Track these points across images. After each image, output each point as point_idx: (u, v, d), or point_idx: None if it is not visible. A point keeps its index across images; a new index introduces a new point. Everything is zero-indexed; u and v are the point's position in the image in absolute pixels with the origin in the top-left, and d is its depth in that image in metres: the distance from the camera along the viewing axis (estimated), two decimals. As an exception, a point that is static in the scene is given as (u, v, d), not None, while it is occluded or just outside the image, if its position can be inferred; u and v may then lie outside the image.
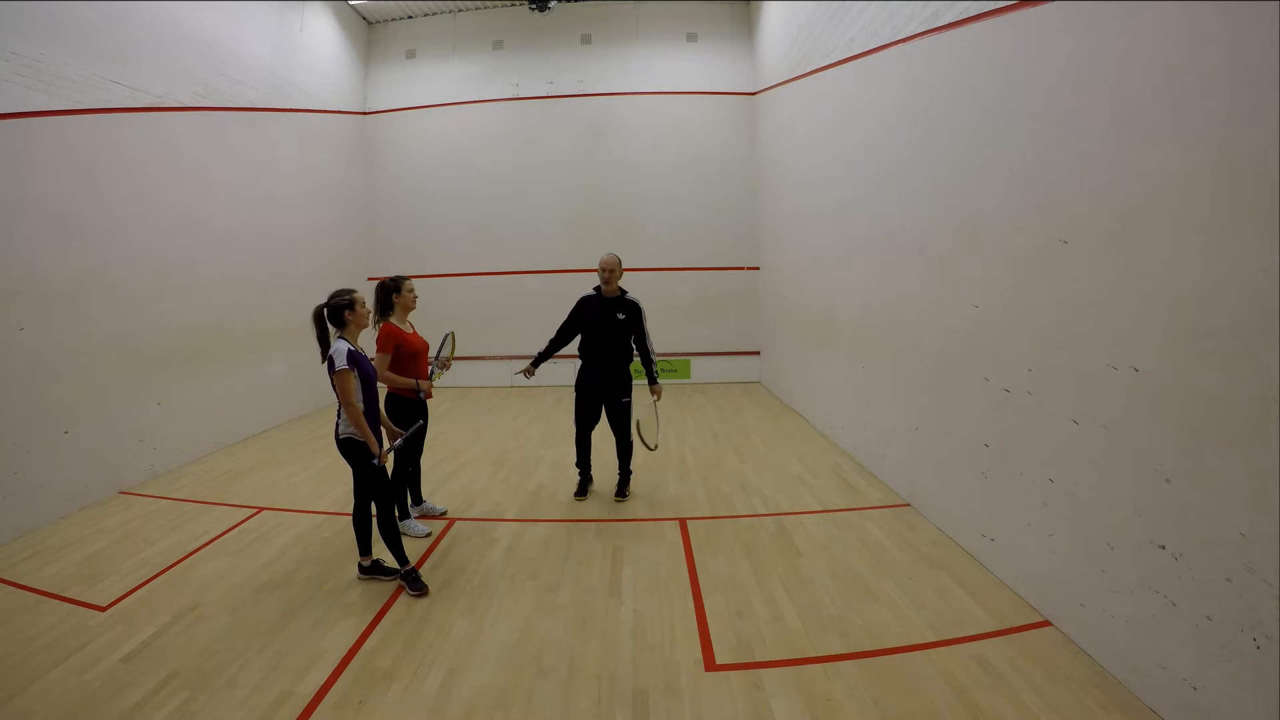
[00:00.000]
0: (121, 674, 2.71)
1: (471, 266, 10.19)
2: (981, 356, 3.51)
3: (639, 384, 4.85)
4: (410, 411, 3.95)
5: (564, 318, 4.74)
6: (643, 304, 4.68)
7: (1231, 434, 2.02)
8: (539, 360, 4.65)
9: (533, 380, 4.70)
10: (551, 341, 4.71)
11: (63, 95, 4.88)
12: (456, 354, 4.48)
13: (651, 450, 4.64)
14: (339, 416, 3.35)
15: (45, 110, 4.73)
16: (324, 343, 3.33)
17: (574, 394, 4.83)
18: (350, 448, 3.33)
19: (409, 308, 4.07)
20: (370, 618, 3.14)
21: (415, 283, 4.22)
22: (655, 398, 4.65)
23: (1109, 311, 2.53)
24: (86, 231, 5.04)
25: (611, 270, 4.57)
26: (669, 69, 9.97)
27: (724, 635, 2.94)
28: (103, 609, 3.27)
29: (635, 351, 4.72)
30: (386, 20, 10.31)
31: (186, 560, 3.85)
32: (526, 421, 7.58)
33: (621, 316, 4.58)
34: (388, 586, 3.46)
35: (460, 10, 10.15)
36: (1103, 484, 2.59)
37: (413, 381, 3.93)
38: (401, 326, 4.03)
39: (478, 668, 2.74)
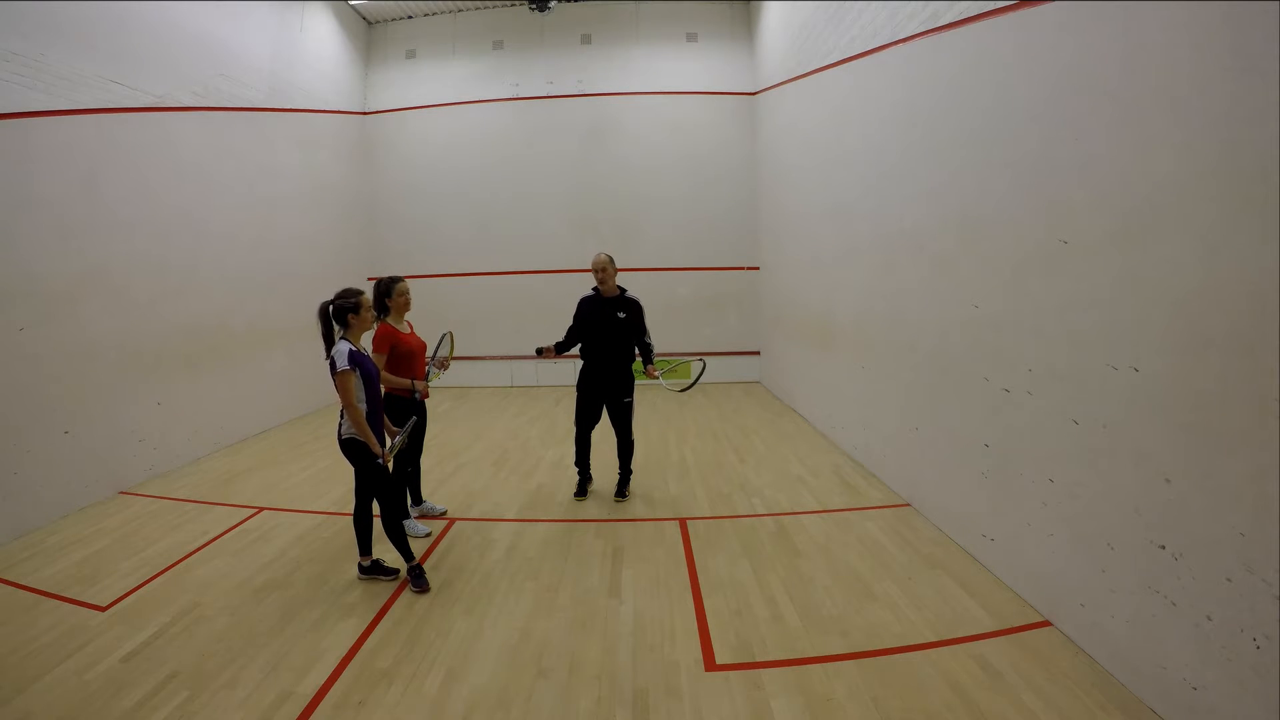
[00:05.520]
0: (121, 674, 2.71)
1: (471, 266, 10.19)
2: (981, 356, 3.51)
3: (641, 384, 4.84)
4: (407, 412, 3.95)
5: (565, 318, 4.74)
6: (642, 302, 4.68)
7: (1231, 434, 2.02)
8: (560, 348, 4.61)
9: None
10: (565, 341, 4.69)
11: (63, 95, 4.88)
12: (455, 354, 4.48)
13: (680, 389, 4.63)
14: (341, 417, 3.35)
15: (45, 110, 4.73)
16: (328, 339, 3.33)
17: (575, 394, 4.83)
18: (353, 448, 3.34)
19: (403, 309, 4.07)
20: (370, 618, 3.14)
21: (414, 283, 4.21)
22: (652, 377, 4.59)
23: (1109, 311, 2.53)
24: (86, 231, 5.04)
25: (604, 269, 4.56)
26: (669, 69, 9.96)
27: (724, 635, 2.94)
28: (103, 609, 3.27)
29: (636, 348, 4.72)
30: (386, 20, 10.31)
31: (186, 560, 3.85)
32: (526, 421, 7.58)
33: (623, 315, 4.57)
34: (388, 586, 3.46)
35: (460, 10, 10.15)
36: (1103, 484, 2.59)
37: (409, 382, 3.92)
38: (398, 326, 4.03)
39: (478, 668, 2.74)
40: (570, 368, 4.76)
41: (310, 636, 2.99)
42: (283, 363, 7.59)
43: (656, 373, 4.55)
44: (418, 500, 4.49)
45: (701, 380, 4.66)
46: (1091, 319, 2.63)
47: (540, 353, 4.57)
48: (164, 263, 5.86)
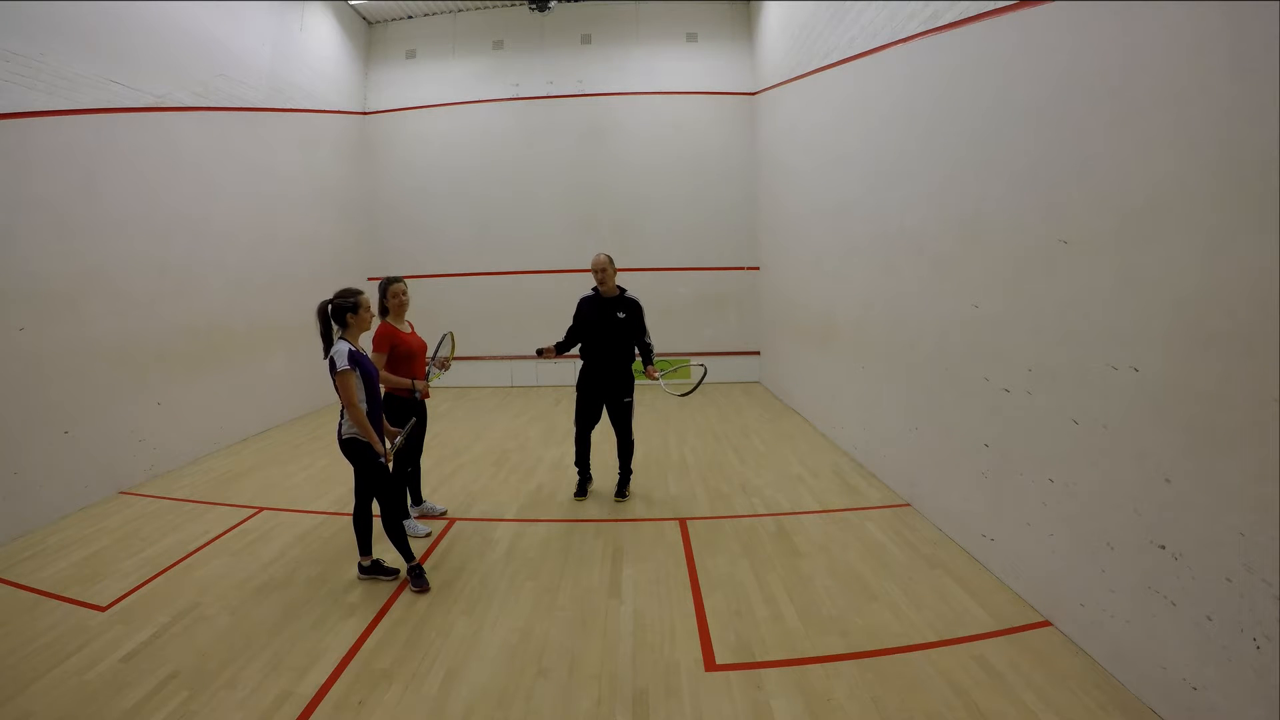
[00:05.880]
0: (121, 674, 2.71)
1: (471, 266, 10.19)
2: (981, 356, 3.51)
3: (640, 384, 4.84)
4: (407, 412, 3.95)
5: (565, 318, 4.75)
6: (641, 301, 4.68)
7: (1231, 434, 2.02)
8: (560, 348, 4.61)
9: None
10: (565, 341, 4.69)
11: (63, 95, 4.88)
12: (456, 354, 4.48)
13: (679, 394, 4.64)
14: (342, 417, 3.35)
15: (45, 110, 4.73)
16: (327, 339, 3.33)
17: (575, 394, 4.83)
18: (353, 448, 3.33)
19: (400, 309, 4.08)
20: (370, 618, 3.14)
21: (414, 283, 4.21)
22: (652, 378, 4.58)
23: (1109, 311, 2.53)
24: (86, 231, 5.04)
25: (603, 270, 4.56)
26: (669, 69, 9.97)
27: (724, 635, 2.94)
28: (103, 609, 3.27)
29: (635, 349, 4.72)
30: (386, 20, 10.31)
31: (186, 560, 3.85)
32: (526, 421, 7.58)
33: (622, 315, 4.57)
34: (388, 586, 3.46)
35: (460, 10, 10.15)
36: (1103, 484, 2.59)
37: (409, 382, 3.92)
38: (399, 326, 4.03)
39: (478, 668, 2.74)
40: (570, 368, 4.75)
41: (310, 636, 2.99)
42: (283, 363, 7.59)
43: (656, 374, 4.55)
44: (418, 500, 4.49)
45: (701, 381, 4.65)
46: (1091, 319, 2.63)
47: (541, 353, 4.58)
48: (164, 263, 5.86)
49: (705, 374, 4.66)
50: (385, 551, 3.68)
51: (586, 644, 2.90)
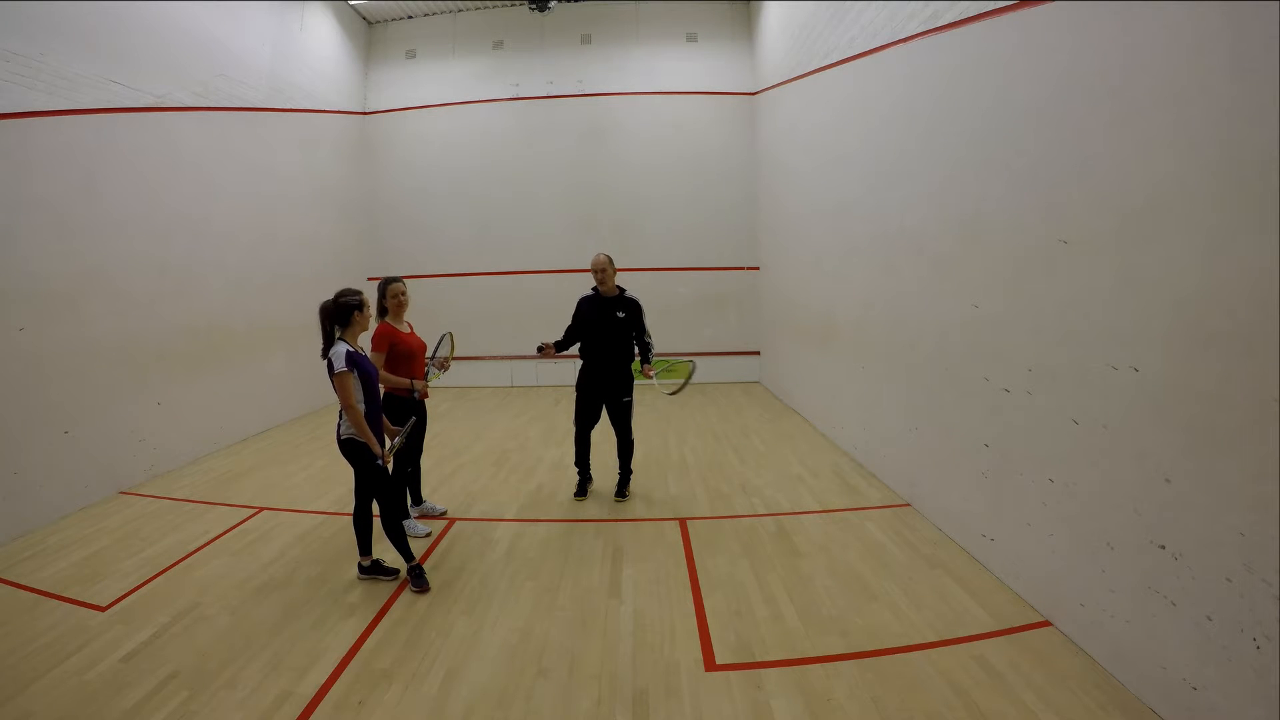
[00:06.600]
0: (121, 674, 2.71)
1: (471, 266, 10.19)
2: (981, 356, 3.51)
3: (640, 383, 4.84)
4: (407, 412, 3.95)
5: (565, 318, 4.75)
6: (641, 301, 4.68)
7: (1231, 434, 2.02)
8: (559, 346, 4.60)
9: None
10: (563, 341, 4.68)
11: (63, 95, 4.88)
12: (455, 354, 4.48)
13: (669, 392, 4.66)
14: (340, 417, 3.35)
15: (45, 110, 4.73)
16: (328, 338, 3.33)
17: (574, 394, 4.83)
18: (352, 448, 3.33)
19: (399, 309, 4.08)
20: (370, 618, 3.14)
21: (414, 283, 4.21)
22: (647, 377, 4.59)
23: (1109, 311, 2.53)
24: (86, 231, 5.04)
25: (603, 270, 4.56)
26: (669, 69, 9.97)
27: (724, 635, 2.94)
28: (103, 609, 3.27)
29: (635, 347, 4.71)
30: (386, 20, 10.31)
31: (186, 560, 3.85)
32: (526, 421, 7.58)
33: (622, 315, 4.58)
34: (388, 586, 3.46)
35: (460, 10, 10.15)
36: (1103, 484, 2.59)
37: (407, 382, 3.92)
38: (398, 326, 4.03)
39: (478, 668, 2.74)
40: (570, 367, 4.75)
41: (310, 636, 2.99)
42: (283, 363, 7.59)
43: (652, 373, 4.56)
44: (418, 500, 4.49)
45: (702, 380, 4.66)
46: (1091, 319, 2.63)
47: (541, 350, 4.58)
48: (164, 263, 5.86)
49: (694, 369, 4.65)
50: (385, 551, 3.68)
51: (586, 644, 2.90)
